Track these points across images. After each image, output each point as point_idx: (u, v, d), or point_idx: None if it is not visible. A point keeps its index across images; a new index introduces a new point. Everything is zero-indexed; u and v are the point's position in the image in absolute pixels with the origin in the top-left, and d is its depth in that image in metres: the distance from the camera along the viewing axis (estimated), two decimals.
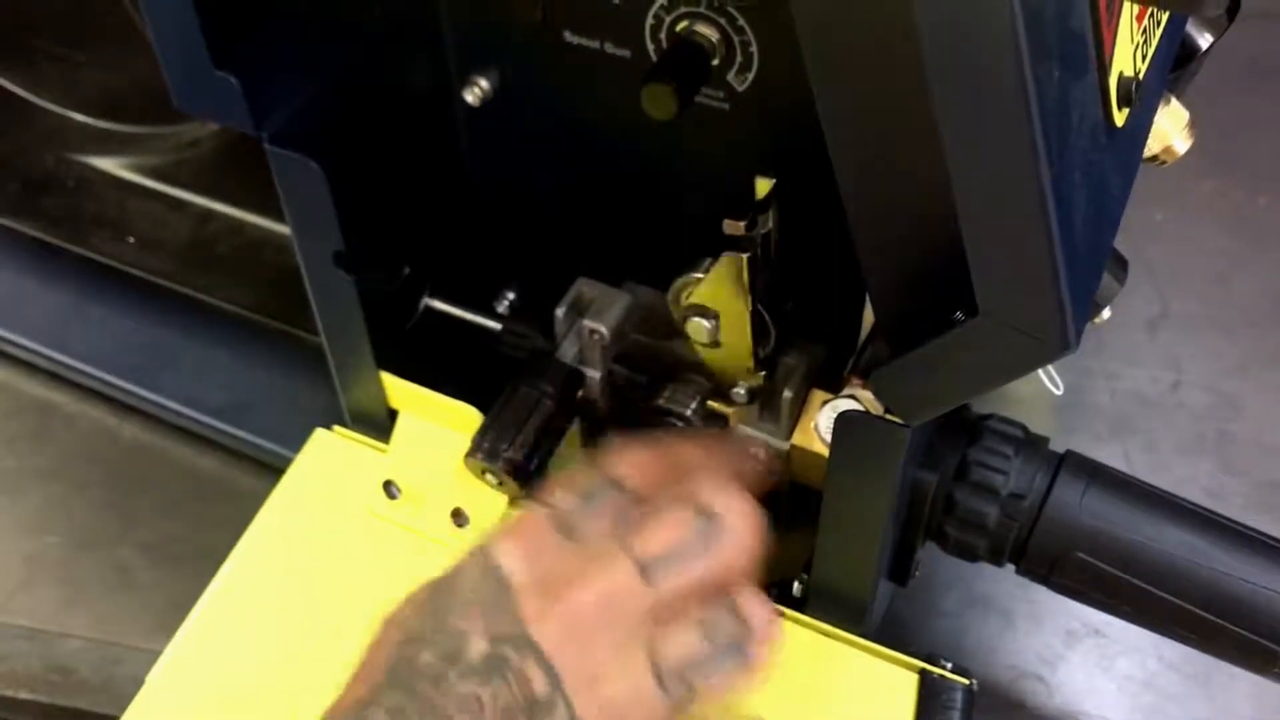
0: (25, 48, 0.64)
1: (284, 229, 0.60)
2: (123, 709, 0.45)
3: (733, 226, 0.40)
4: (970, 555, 0.45)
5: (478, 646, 0.33)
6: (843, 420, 0.38)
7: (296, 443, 0.53)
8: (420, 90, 0.47)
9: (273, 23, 0.40)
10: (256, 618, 0.47)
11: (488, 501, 0.47)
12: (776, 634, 0.35)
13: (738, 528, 0.36)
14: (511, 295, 0.55)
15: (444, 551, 0.47)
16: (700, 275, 0.43)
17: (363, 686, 0.34)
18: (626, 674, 0.33)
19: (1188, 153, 0.48)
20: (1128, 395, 0.63)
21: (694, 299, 0.43)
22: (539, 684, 0.32)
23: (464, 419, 0.47)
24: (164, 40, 0.39)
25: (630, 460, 0.38)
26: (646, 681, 0.33)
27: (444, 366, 0.51)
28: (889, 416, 0.37)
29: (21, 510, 0.58)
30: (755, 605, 0.35)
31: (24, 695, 0.51)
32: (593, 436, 0.52)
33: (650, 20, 0.42)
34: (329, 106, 0.43)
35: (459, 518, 0.47)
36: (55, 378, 0.62)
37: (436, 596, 0.35)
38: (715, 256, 0.42)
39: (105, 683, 0.51)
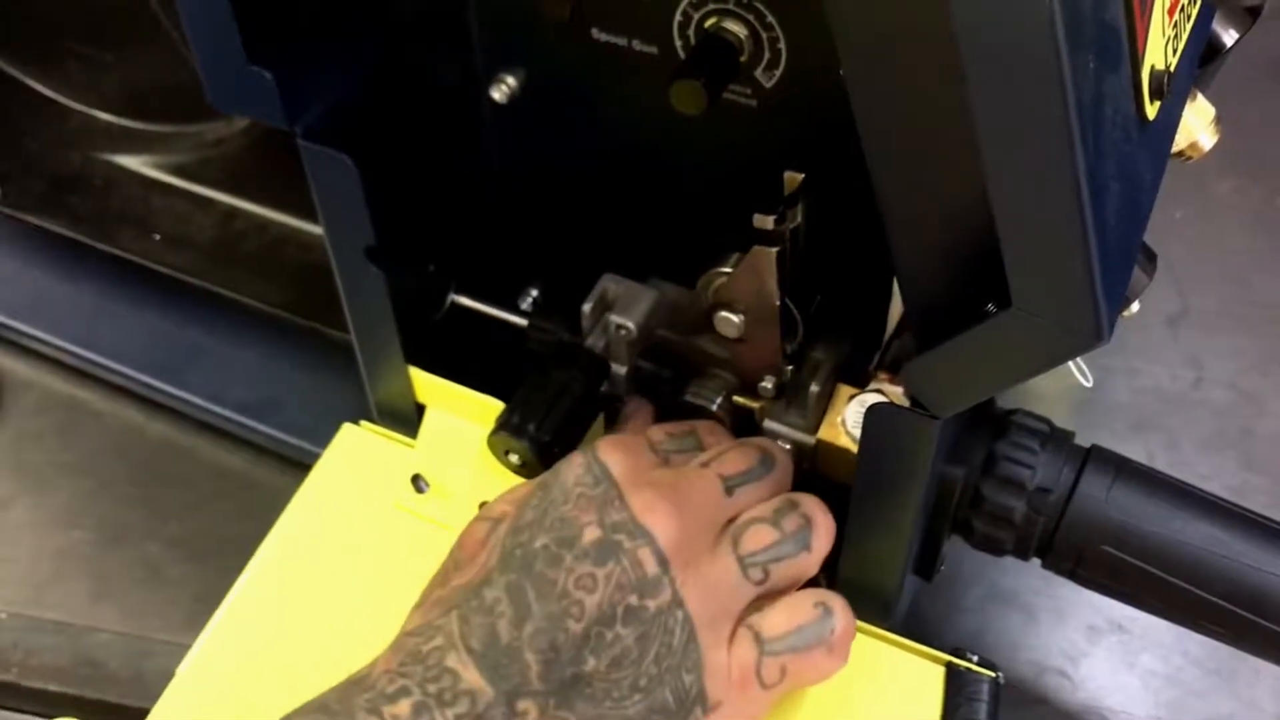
0: (52, 47, 0.65)
1: (309, 226, 0.61)
2: (152, 702, 0.45)
3: (762, 221, 0.40)
4: (996, 549, 0.45)
5: (591, 533, 0.38)
6: (873, 413, 0.38)
7: (323, 439, 0.53)
8: (449, 87, 0.48)
9: (307, 19, 0.41)
10: (286, 611, 0.47)
11: None
12: (833, 530, 0.42)
13: (789, 463, 0.44)
14: (535, 292, 0.55)
15: None
16: (728, 270, 0.43)
17: (473, 571, 0.39)
18: (717, 560, 0.39)
19: (1207, 152, 0.48)
20: (1149, 392, 0.63)
21: (722, 293, 0.43)
22: (650, 566, 0.38)
23: (492, 413, 0.48)
24: (198, 36, 0.40)
25: (703, 426, 0.46)
26: (734, 567, 0.40)
27: (470, 362, 0.51)
28: (918, 409, 0.38)
29: (50, 505, 0.58)
30: (813, 505, 0.42)
31: (54, 688, 0.51)
32: (620, 428, 0.52)
33: (679, 17, 0.42)
34: (361, 102, 0.43)
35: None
36: (82, 375, 0.62)
37: (543, 492, 0.40)
38: (743, 251, 0.42)
39: (135, 676, 0.51)
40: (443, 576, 0.41)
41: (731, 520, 0.41)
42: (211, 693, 0.45)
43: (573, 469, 0.40)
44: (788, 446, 0.47)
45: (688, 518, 0.39)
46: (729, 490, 0.41)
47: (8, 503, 0.58)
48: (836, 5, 0.31)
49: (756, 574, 0.40)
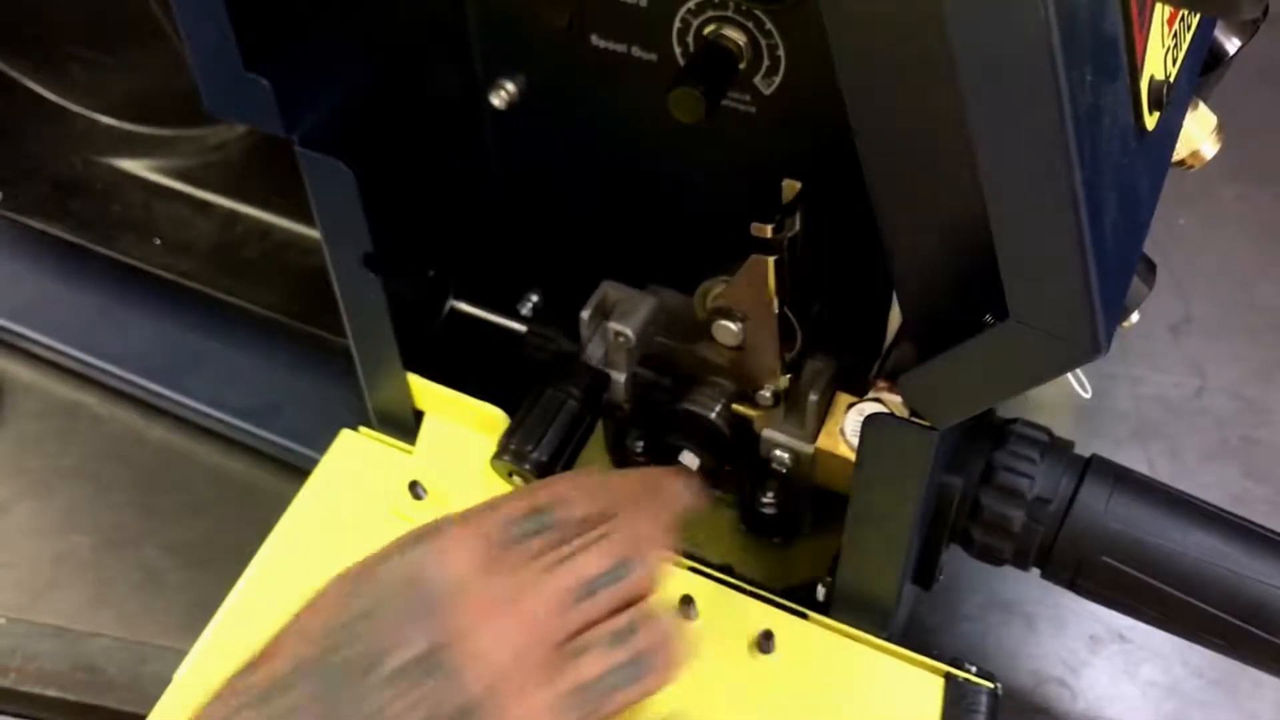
0: (54, 52, 0.65)
1: (311, 231, 0.61)
2: (149, 708, 0.46)
3: (760, 229, 0.40)
4: (995, 559, 0.45)
5: (411, 649, 0.34)
6: (871, 422, 0.38)
7: (322, 444, 0.53)
8: (448, 93, 0.47)
9: (305, 26, 0.41)
10: (283, 617, 0.47)
11: None
12: (679, 659, 0.37)
13: (650, 570, 0.38)
14: (535, 298, 0.55)
15: None
16: (727, 278, 0.43)
17: (279, 664, 0.34)
18: (539, 692, 0.35)
19: (1209, 160, 0.48)
20: (1151, 400, 0.63)
21: (721, 301, 0.43)
22: (457, 696, 0.34)
23: (490, 420, 0.48)
24: (196, 42, 0.39)
25: (570, 485, 0.40)
26: (556, 700, 0.35)
27: (469, 368, 0.51)
28: (916, 419, 0.38)
29: (49, 510, 0.58)
30: (662, 630, 0.37)
31: (52, 693, 0.51)
32: (617, 439, 0.52)
33: (678, 24, 0.42)
34: (358, 109, 0.43)
35: None
36: (83, 379, 0.62)
37: (360, 592, 0.36)
38: (742, 259, 0.42)
39: (132, 681, 0.51)
40: (247, 667, 0.35)
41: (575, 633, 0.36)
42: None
43: (395, 570, 0.36)
44: (786, 455, 0.47)
45: (521, 639, 0.35)
46: (564, 607, 0.36)
47: (7, 507, 0.58)
48: (833, 14, 0.30)
49: (584, 703, 0.35)
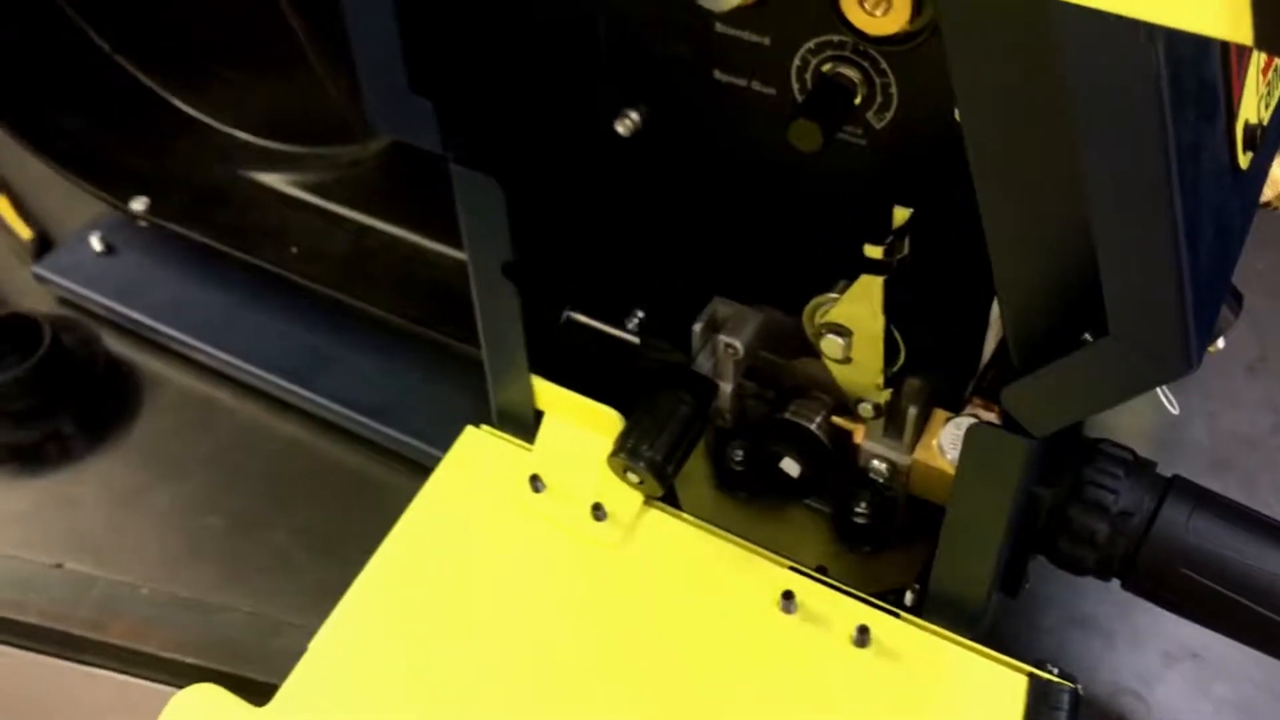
0: (201, 72, 0.70)
1: (435, 245, 0.66)
2: (281, 678, 0.49)
3: (872, 251, 0.43)
4: (1079, 568, 0.48)
5: None
6: (974, 431, 0.42)
7: (441, 442, 0.57)
8: (579, 120, 0.52)
9: (464, 55, 0.45)
10: (409, 595, 0.51)
11: (625, 498, 0.51)
12: None
13: None
14: (640, 314, 0.59)
15: (584, 542, 0.51)
16: (836, 295, 0.46)
17: None
18: None
19: None
20: (1226, 435, 0.65)
21: (830, 317, 0.46)
22: None
23: (606, 421, 0.51)
24: (368, 65, 0.44)
25: None
26: None
27: (579, 375, 0.55)
28: (1014, 430, 0.41)
29: (186, 493, 0.63)
30: None
31: (189, 660, 0.56)
32: (719, 447, 0.56)
33: (797, 61, 0.46)
34: (506, 130, 0.47)
35: (598, 512, 0.51)
36: (218, 374, 0.67)
37: None
38: (849, 279, 0.45)
39: (264, 653, 0.55)
40: None
41: None
42: (338, 670, 0.49)
43: None
44: (883, 466, 0.50)
45: None
46: None
47: (147, 489, 0.63)
48: (959, 56, 0.34)
49: None
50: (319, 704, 0.48)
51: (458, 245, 0.64)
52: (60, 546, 0.60)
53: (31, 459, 0.64)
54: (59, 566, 0.59)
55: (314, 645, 0.49)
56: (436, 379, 0.63)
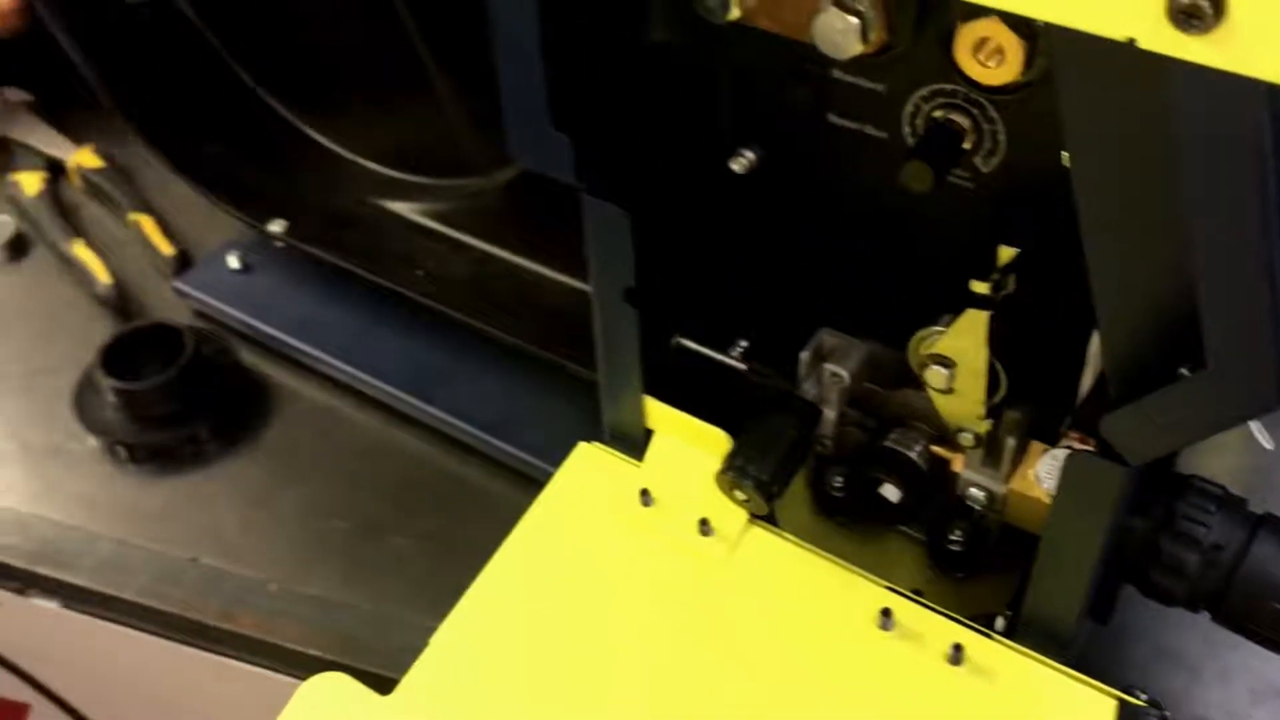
0: (337, 105, 0.75)
1: (553, 274, 0.69)
2: (401, 673, 0.52)
3: (979, 286, 0.46)
4: (1168, 599, 0.49)
5: None
6: (1073, 459, 0.44)
7: (551, 457, 0.60)
8: (698, 158, 0.55)
9: (600, 95, 0.49)
10: (523, 599, 0.54)
11: (731, 515, 0.54)
12: None
13: None
14: (744, 343, 0.62)
15: (689, 555, 0.54)
16: (941, 329, 0.49)
17: None
18: None
19: None
20: None
21: (935, 349, 0.49)
22: None
23: (714, 441, 0.54)
24: (513, 104, 0.48)
25: None
26: None
27: (688, 396, 0.58)
28: (1110, 459, 0.43)
29: (311, 497, 0.67)
30: None
31: (312, 652, 0.59)
32: (818, 473, 0.58)
33: (909, 108, 0.49)
34: (633, 165, 0.51)
35: (705, 527, 0.54)
36: (344, 387, 0.71)
37: None
38: (954, 313, 0.48)
39: (382, 649, 0.59)
40: None
41: None
42: (456, 666, 0.52)
43: None
44: (980, 494, 0.52)
45: None
46: None
47: (276, 492, 0.67)
48: (1071, 107, 0.37)
49: None
50: (438, 695, 0.51)
51: (572, 273, 0.69)
52: (195, 543, 0.64)
53: (170, 460, 0.68)
54: (194, 561, 0.64)
55: (434, 641, 0.53)
56: (549, 398, 0.67)
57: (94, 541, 0.64)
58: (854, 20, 0.42)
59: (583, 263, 0.69)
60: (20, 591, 0.64)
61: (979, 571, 0.57)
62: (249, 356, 0.73)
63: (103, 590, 0.63)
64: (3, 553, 0.64)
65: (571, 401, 0.64)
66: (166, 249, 0.78)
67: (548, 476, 0.61)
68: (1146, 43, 0.31)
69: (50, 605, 0.64)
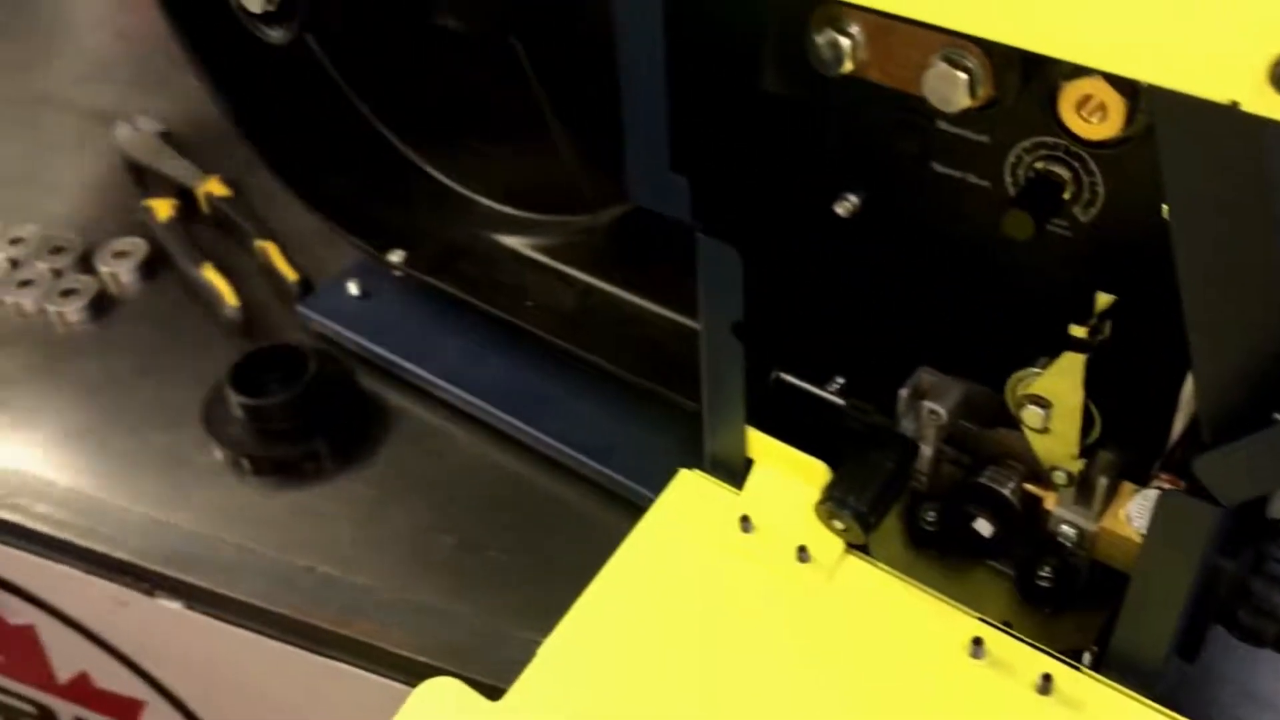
0: (454, 145, 0.79)
1: (652, 307, 0.72)
2: (507, 683, 0.54)
3: (1077, 331, 0.48)
4: (1258, 640, 0.51)
5: None
6: (1166, 497, 0.46)
7: (647, 481, 0.63)
8: (803, 200, 0.58)
9: (715, 140, 0.52)
10: (626, 615, 0.57)
11: (828, 543, 0.56)
12: None
13: None
14: (841, 380, 0.64)
15: (787, 581, 0.56)
16: (1038, 370, 0.51)
17: None
18: None
19: None
20: None
21: (1032, 389, 0.51)
22: None
23: (813, 472, 0.57)
24: (636, 147, 0.51)
25: None
26: None
27: (787, 428, 0.61)
28: (1202, 499, 0.45)
29: (419, 512, 0.70)
30: None
31: (421, 658, 0.63)
32: (912, 508, 0.60)
33: (1012, 158, 0.51)
34: (744, 206, 0.54)
35: (803, 554, 0.56)
36: (454, 409, 0.75)
37: None
38: (1051, 355, 0.50)
39: (487, 659, 0.62)
40: None
41: None
42: (561, 677, 0.55)
43: None
44: (1071, 531, 0.54)
45: None
46: None
47: (385, 505, 0.70)
48: (1172, 163, 0.39)
49: None
50: (544, 703, 0.54)
51: (671, 308, 0.72)
52: (312, 551, 0.68)
53: (290, 473, 0.72)
54: (310, 569, 0.67)
55: (540, 652, 0.56)
56: (645, 425, 0.70)
57: (218, 547, 0.68)
58: (963, 76, 0.45)
59: (681, 298, 0.72)
60: (148, 592, 0.69)
61: (1067, 608, 0.58)
62: (366, 378, 0.77)
63: (225, 593, 0.66)
64: (135, 554, 0.69)
65: (666, 429, 0.67)
66: (290, 274, 0.83)
67: (642, 499, 0.64)
68: (1249, 105, 0.33)
69: (174, 605, 0.68)
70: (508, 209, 0.78)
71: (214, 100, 0.77)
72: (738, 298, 0.53)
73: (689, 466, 0.63)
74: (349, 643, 0.64)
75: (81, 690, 0.84)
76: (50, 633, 0.79)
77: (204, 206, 0.90)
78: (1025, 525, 0.56)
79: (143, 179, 0.93)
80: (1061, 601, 0.58)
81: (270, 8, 0.59)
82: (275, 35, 0.61)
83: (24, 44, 1.13)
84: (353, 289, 0.80)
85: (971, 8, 0.39)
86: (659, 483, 0.64)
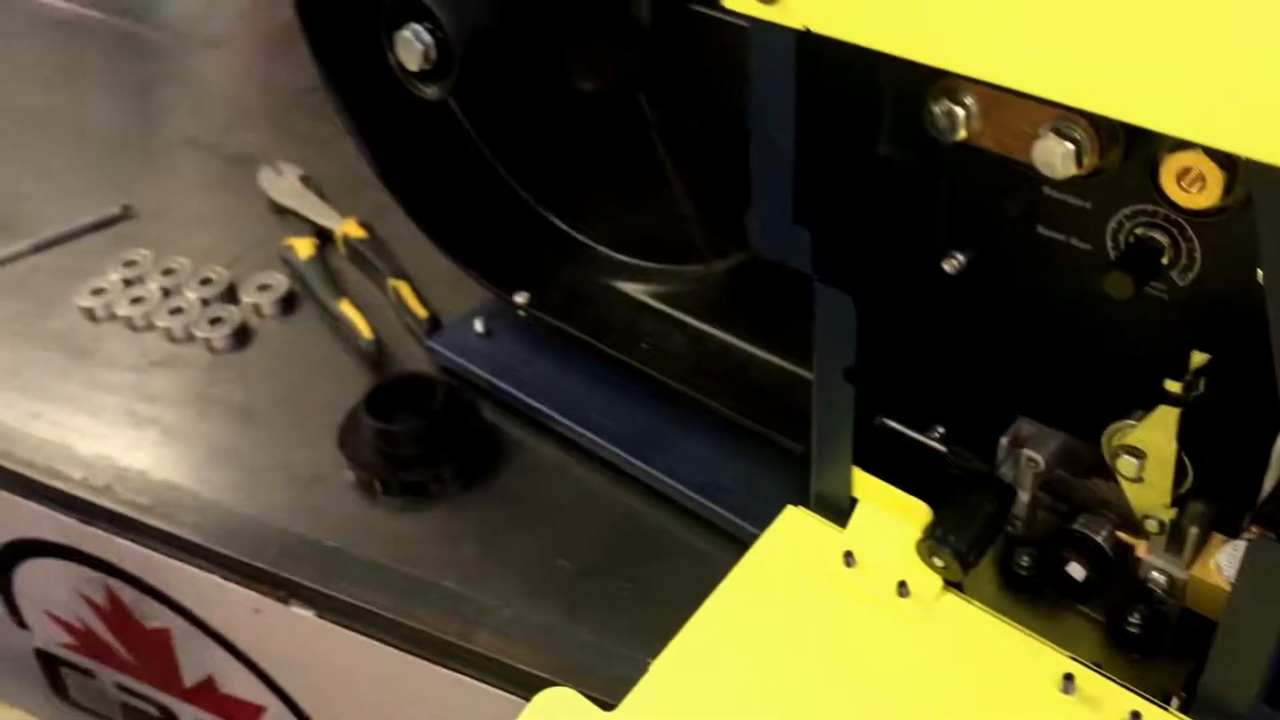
0: (577, 196, 0.85)
1: (762, 353, 0.77)
2: (614, 699, 0.58)
3: (1172, 386, 0.51)
4: None
5: None
6: (1256, 546, 0.48)
7: (755, 519, 0.67)
8: (915, 255, 0.61)
9: (835, 196, 0.56)
10: (731, 639, 0.60)
11: (928, 580, 0.59)
12: None
13: None
14: (940, 429, 0.67)
15: (887, 614, 0.60)
16: (1134, 422, 0.54)
17: None
18: None
19: None
20: None
21: (1128, 440, 0.54)
22: None
23: (916, 512, 0.60)
24: (764, 202, 0.55)
25: None
26: None
27: (890, 470, 0.64)
28: None
29: (539, 538, 0.74)
30: None
31: (539, 673, 0.67)
32: (1007, 552, 0.64)
33: (1113, 224, 0.54)
34: (859, 259, 0.58)
35: (903, 589, 0.60)
36: (571, 443, 0.79)
37: None
38: (1146, 408, 0.53)
39: (600, 676, 0.66)
40: None
41: None
42: (669, 694, 0.59)
43: None
44: (1162, 579, 0.57)
45: None
46: None
47: (508, 532, 0.75)
48: (1269, 232, 0.42)
49: None
50: (653, 716, 0.58)
51: (780, 355, 0.76)
52: (437, 569, 0.73)
53: (418, 495, 0.77)
54: (436, 585, 0.72)
55: (651, 669, 0.59)
56: (752, 464, 0.73)
57: (350, 560, 0.74)
58: (1071, 146, 0.48)
59: (788, 345, 0.76)
60: (284, 600, 0.74)
61: (1155, 654, 0.60)
62: (488, 410, 0.82)
63: (356, 603, 0.71)
64: (273, 564, 0.74)
65: (771, 469, 0.71)
66: (420, 311, 0.88)
67: (746, 534, 0.68)
68: None
69: (307, 614, 0.74)
70: (627, 258, 0.83)
71: (360, 150, 0.84)
72: (851, 344, 0.57)
73: (793, 504, 0.66)
74: (471, 655, 0.69)
75: (205, 694, 0.90)
76: (183, 636, 0.85)
77: (340, 246, 0.97)
78: (1117, 572, 0.59)
79: (284, 219, 1.00)
80: (1150, 647, 0.60)
81: (427, 66, 0.65)
82: (430, 92, 0.66)
83: (176, 91, 1.22)
84: (478, 327, 0.86)
85: (1081, 83, 0.43)
86: (763, 519, 0.67)
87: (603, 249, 0.84)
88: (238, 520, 0.77)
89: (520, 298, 0.82)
